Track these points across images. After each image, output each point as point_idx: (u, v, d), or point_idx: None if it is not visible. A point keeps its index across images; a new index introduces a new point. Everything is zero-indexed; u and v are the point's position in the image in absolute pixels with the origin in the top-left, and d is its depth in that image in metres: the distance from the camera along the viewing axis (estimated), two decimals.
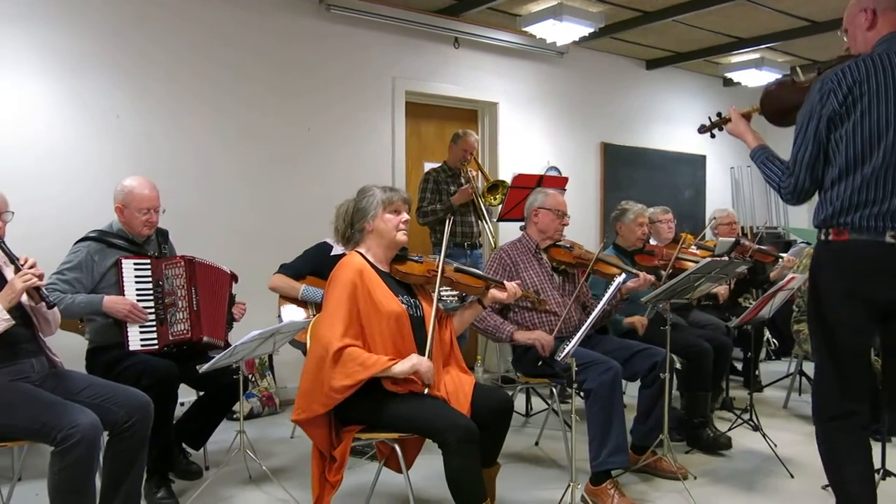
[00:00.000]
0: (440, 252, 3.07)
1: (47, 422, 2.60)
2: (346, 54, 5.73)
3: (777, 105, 2.84)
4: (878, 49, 2.54)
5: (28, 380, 2.82)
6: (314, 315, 3.82)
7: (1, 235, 2.82)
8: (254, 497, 3.57)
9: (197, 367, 3.35)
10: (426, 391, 2.84)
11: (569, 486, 3.14)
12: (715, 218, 5.81)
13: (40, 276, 2.78)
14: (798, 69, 3.03)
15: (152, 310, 3.53)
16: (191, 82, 5.03)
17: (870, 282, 2.52)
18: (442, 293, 3.01)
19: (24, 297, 2.86)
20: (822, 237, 2.62)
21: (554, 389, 3.99)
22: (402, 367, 2.77)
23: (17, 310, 2.82)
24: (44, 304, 2.83)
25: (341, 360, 2.72)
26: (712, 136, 3.22)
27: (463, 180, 5.51)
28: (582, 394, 3.50)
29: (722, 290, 4.94)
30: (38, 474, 3.40)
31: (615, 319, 4.10)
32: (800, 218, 8.50)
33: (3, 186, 2.88)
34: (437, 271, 3.03)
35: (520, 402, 4.93)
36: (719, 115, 3.13)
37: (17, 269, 2.77)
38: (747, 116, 2.96)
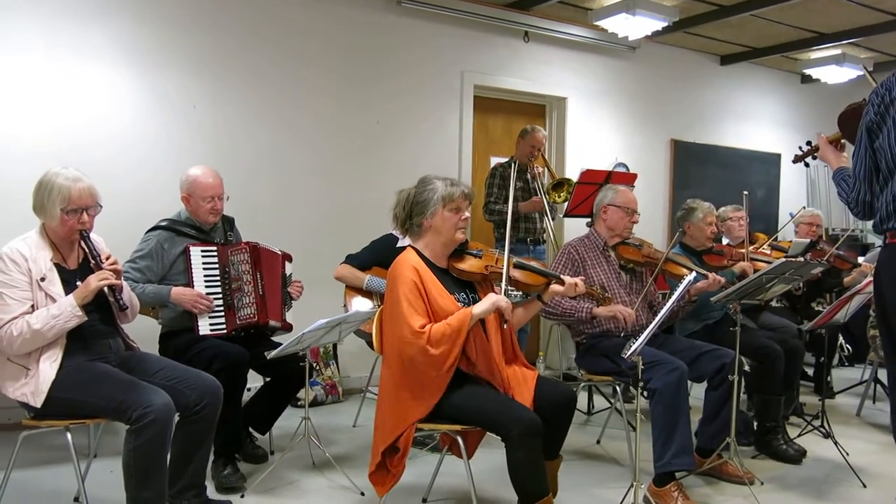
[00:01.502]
0: (501, 248, 3.05)
1: (123, 401, 2.70)
2: (416, 47, 5.76)
3: (853, 128, 2.86)
4: None
5: (105, 360, 2.93)
6: (378, 305, 3.86)
7: (88, 229, 2.89)
8: (317, 482, 3.63)
9: (265, 353, 3.43)
10: (504, 326, 2.90)
11: (632, 485, 3.11)
12: (795, 215, 5.66)
13: (118, 274, 2.87)
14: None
15: (220, 295, 3.62)
16: (264, 73, 5.13)
17: None
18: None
19: (110, 297, 2.96)
20: (883, 240, 2.67)
21: (617, 388, 3.94)
22: (482, 307, 2.81)
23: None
24: (115, 305, 2.93)
25: (433, 341, 2.73)
26: (806, 165, 3.50)
27: (528, 177, 5.49)
28: (646, 393, 3.45)
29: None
30: (112, 452, 3.52)
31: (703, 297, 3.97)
32: None
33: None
34: (495, 267, 3.02)
35: (582, 401, 4.88)
36: (809, 143, 3.36)
37: (97, 265, 2.86)
38: (835, 142, 3.06)
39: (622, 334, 3.63)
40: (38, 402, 2.73)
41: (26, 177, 3.03)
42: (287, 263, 3.94)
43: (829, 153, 3.05)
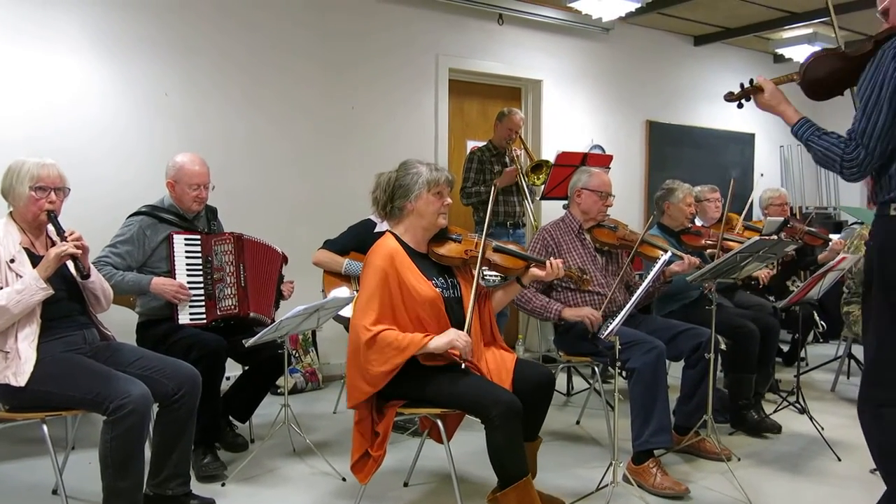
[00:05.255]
0: (481, 231, 3.05)
1: (100, 392, 2.68)
2: (391, 31, 5.72)
3: (825, 74, 2.63)
4: None
5: (80, 351, 2.91)
6: (357, 290, 3.85)
7: (56, 211, 2.88)
8: (297, 469, 3.63)
9: (243, 341, 3.42)
10: (463, 366, 2.82)
11: (610, 464, 3.14)
12: (762, 197, 5.70)
13: (82, 248, 2.82)
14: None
15: (201, 285, 3.59)
16: (238, 59, 5.08)
17: None
18: (484, 272, 2.99)
19: (74, 271, 2.92)
20: (884, 211, 2.49)
21: (596, 369, 3.97)
22: (438, 342, 2.76)
23: (64, 282, 2.90)
24: (77, 274, 2.89)
25: (376, 346, 2.73)
26: (740, 105, 2.85)
27: (507, 160, 5.48)
28: (624, 373, 3.48)
29: (763, 273, 4.77)
30: (90, 444, 3.49)
31: (679, 279, 3.97)
32: (851, 197, 8.31)
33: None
34: (474, 252, 3.01)
35: (561, 382, 4.92)
36: (751, 81, 2.77)
37: (63, 240, 2.83)
38: (778, 85, 2.72)
39: (590, 335, 3.59)
40: (21, 382, 2.70)
41: None
42: (283, 264, 3.93)
43: (782, 100, 2.67)
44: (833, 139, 2.51)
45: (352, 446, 2.90)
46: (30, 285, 2.71)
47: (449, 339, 2.78)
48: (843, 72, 2.59)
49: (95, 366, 2.83)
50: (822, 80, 2.64)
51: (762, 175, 5.95)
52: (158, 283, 3.48)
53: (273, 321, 3.74)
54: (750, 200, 5.61)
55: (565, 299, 3.77)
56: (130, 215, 3.62)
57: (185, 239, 3.60)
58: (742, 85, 2.79)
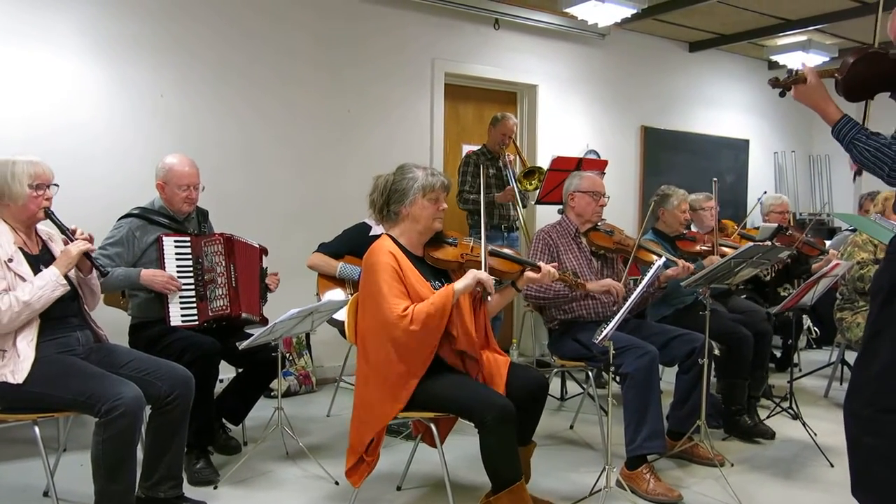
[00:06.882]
0: (477, 235, 3.06)
1: (93, 394, 2.67)
2: (387, 35, 5.73)
3: (869, 75, 2.44)
4: None
5: (74, 353, 2.90)
6: (352, 294, 3.84)
7: (49, 207, 2.89)
8: (290, 472, 3.62)
9: (237, 344, 3.41)
10: (489, 298, 2.94)
11: (604, 469, 3.14)
12: (764, 203, 5.71)
13: (91, 241, 2.87)
14: None
15: (192, 286, 3.58)
16: (233, 61, 5.07)
17: None
18: None
19: (73, 269, 2.92)
20: None
21: (590, 373, 3.97)
22: (464, 283, 2.84)
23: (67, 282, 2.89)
24: (96, 272, 2.94)
25: (416, 322, 2.73)
26: (782, 94, 2.65)
27: (501, 164, 5.49)
28: (618, 378, 3.48)
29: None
30: (82, 446, 3.47)
31: (674, 284, 3.97)
32: (844, 204, 8.34)
33: (52, 169, 2.95)
34: (470, 255, 3.03)
35: (555, 386, 4.92)
36: (797, 71, 2.55)
37: (69, 239, 2.86)
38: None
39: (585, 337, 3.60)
40: (19, 379, 2.69)
41: None
42: (263, 257, 3.92)
43: (826, 97, 2.44)
44: (884, 139, 2.35)
45: (347, 449, 2.90)
46: (50, 280, 2.74)
47: (472, 276, 2.86)
48: (887, 73, 2.44)
49: (88, 367, 2.82)
50: (865, 78, 2.45)
51: (766, 192, 5.99)
52: (148, 273, 3.47)
53: (262, 318, 3.75)
54: (746, 220, 5.64)
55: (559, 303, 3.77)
56: (120, 218, 3.62)
57: (175, 241, 3.59)
58: (790, 71, 2.57)
